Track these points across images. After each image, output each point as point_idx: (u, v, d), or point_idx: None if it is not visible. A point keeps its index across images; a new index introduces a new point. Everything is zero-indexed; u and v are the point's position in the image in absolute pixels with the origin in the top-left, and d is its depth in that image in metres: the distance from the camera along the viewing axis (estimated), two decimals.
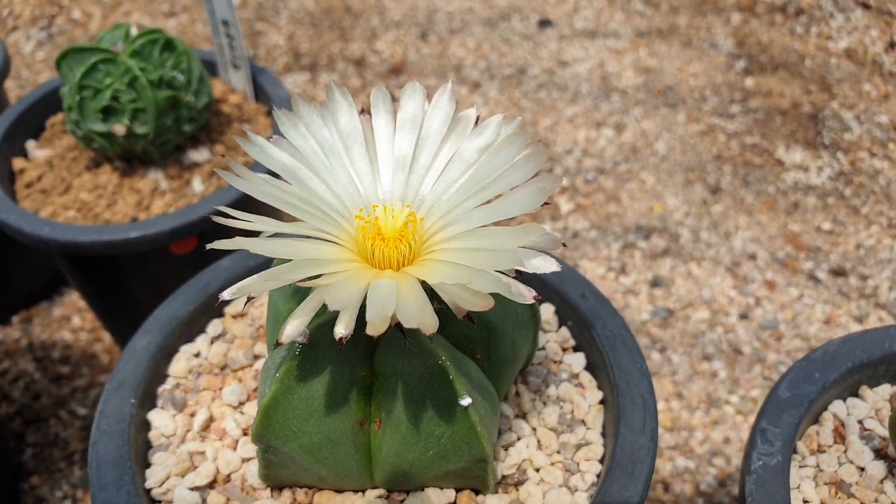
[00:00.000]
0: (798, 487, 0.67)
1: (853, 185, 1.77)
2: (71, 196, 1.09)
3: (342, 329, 0.47)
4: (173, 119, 1.04)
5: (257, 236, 0.52)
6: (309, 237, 0.52)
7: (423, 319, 0.44)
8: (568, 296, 0.76)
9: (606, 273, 1.58)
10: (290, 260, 0.47)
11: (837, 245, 1.63)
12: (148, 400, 0.71)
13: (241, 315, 0.80)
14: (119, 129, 1.00)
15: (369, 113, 0.58)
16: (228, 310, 0.81)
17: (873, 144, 1.88)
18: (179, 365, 0.75)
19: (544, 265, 0.48)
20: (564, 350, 0.77)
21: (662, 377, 1.37)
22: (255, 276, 0.47)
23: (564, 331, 0.77)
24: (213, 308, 0.80)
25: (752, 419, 1.28)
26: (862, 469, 0.69)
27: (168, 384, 0.74)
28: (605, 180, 1.82)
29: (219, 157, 1.14)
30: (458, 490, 0.64)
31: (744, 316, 1.47)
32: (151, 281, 1.13)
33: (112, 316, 1.26)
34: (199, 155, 1.12)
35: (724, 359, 1.40)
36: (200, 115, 1.09)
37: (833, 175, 1.81)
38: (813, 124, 1.96)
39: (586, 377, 0.73)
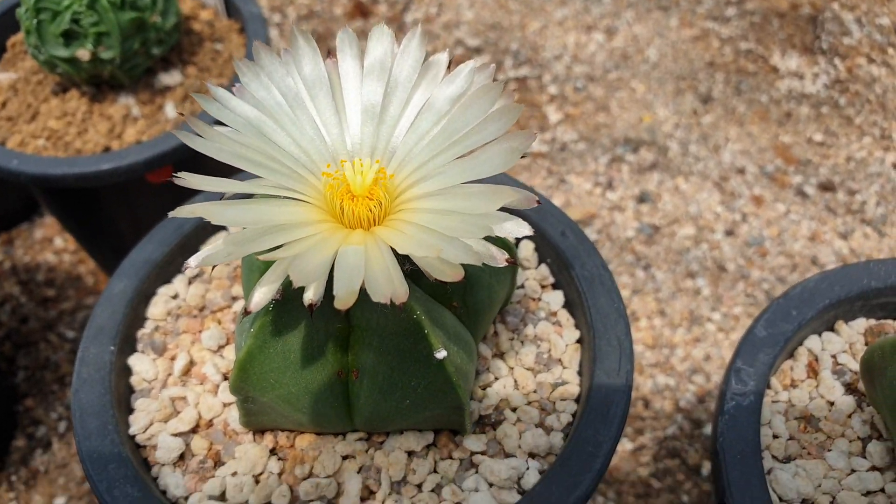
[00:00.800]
0: (769, 423, 0.69)
1: (848, 94, 1.73)
2: (39, 124, 1.05)
3: (311, 295, 0.46)
4: (140, 42, 0.99)
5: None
6: (275, 197, 0.50)
7: (394, 291, 0.43)
8: (548, 233, 0.75)
9: (593, 188, 1.56)
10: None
11: (828, 157, 1.61)
12: (127, 345, 0.71)
13: None
14: (83, 54, 0.95)
15: (335, 57, 0.55)
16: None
17: (872, 49, 1.82)
18: (157, 308, 0.75)
19: (516, 229, 0.46)
20: (543, 287, 0.76)
21: (646, 294, 1.39)
22: (219, 244, 0.46)
23: (544, 268, 0.77)
24: (189, 248, 0.79)
25: (733, 337, 1.30)
26: (832, 403, 0.70)
27: (147, 328, 0.74)
28: (594, 88, 1.77)
29: (191, 80, 1.09)
30: (437, 432, 0.65)
31: (730, 232, 1.47)
32: (129, 209, 1.11)
33: (92, 243, 1.25)
34: (170, 78, 1.07)
35: (708, 276, 1.40)
36: (169, 36, 1.04)
37: (829, 83, 1.76)
38: (811, 28, 1.89)
39: (564, 315, 0.74)
